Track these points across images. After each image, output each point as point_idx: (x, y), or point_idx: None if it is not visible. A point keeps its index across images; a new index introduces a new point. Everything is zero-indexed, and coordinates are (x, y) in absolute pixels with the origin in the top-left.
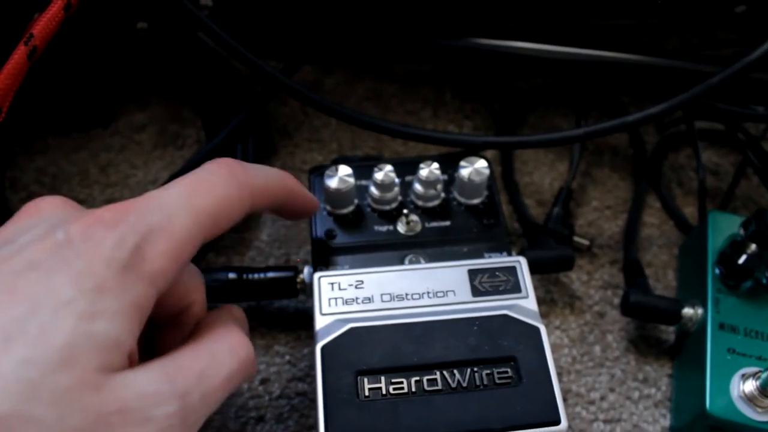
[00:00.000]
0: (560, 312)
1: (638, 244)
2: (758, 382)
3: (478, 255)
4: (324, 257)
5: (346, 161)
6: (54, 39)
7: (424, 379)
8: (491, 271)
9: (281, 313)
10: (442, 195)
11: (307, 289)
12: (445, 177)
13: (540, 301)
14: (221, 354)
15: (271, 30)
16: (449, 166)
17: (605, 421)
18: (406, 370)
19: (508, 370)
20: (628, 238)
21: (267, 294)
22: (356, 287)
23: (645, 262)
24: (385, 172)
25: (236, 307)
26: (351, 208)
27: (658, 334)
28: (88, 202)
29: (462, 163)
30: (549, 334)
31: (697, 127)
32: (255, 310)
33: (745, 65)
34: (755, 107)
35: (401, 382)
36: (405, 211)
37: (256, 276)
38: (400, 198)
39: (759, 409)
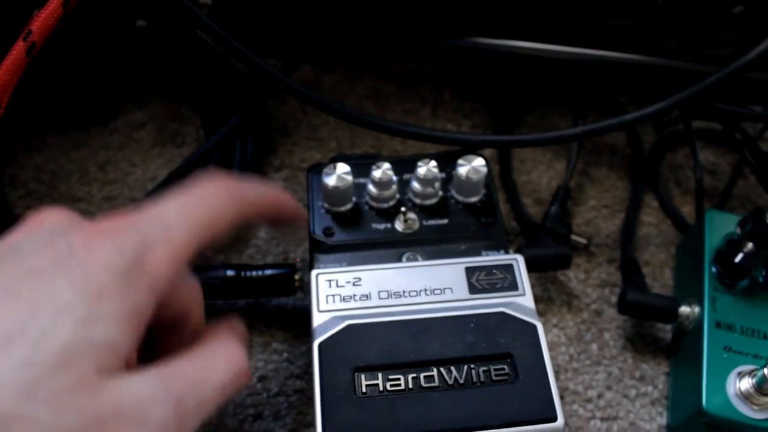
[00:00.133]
0: (558, 310)
1: (636, 243)
2: (754, 380)
3: (476, 253)
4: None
5: (344, 159)
6: (53, 36)
7: (421, 376)
8: (488, 269)
9: (279, 311)
10: (440, 193)
11: (305, 286)
12: (443, 175)
13: (537, 300)
14: (217, 363)
15: (270, 28)
16: (447, 164)
17: (602, 419)
18: (403, 367)
19: (505, 367)
20: (625, 237)
21: (265, 291)
22: (354, 284)
23: (642, 261)
24: (383, 170)
25: (236, 319)
26: (349, 206)
27: (655, 333)
28: (86, 199)
29: (460, 161)
30: (546, 332)
31: (695, 127)
32: (253, 307)
33: (742, 65)
34: (753, 107)
35: (398, 379)
36: (403, 209)
37: (254, 273)
38: (398, 196)
39: (755, 407)
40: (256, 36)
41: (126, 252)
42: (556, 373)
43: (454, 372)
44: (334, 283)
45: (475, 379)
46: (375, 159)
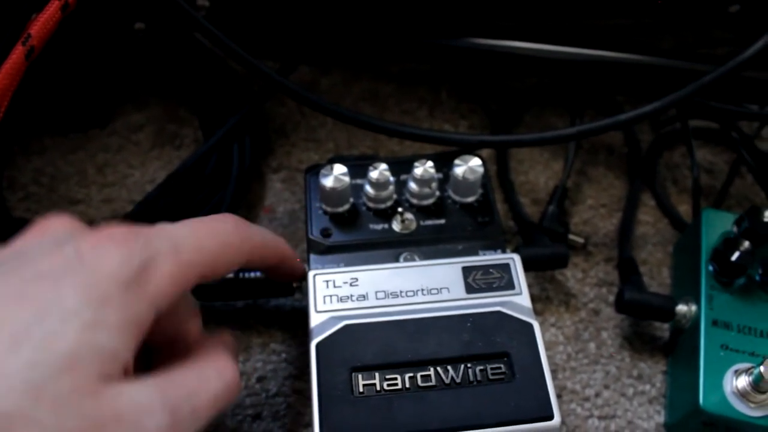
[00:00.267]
0: (555, 309)
1: (633, 242)
2: (751, 378)
3: (473, 253)
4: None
5: (342, 160)
6: (52, 39)
7: (418, 375)
8: (485, 268)
9: (278, 312)
10: (437, 193)
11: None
12: (440, 175)
13: (535, 299)
14: (209, 375)
15: (268, 30)
16: (444, 164)
17: (600, 418)
18: (400, 367)
19: (502, 366)
20: (622, 236)
21: (263, 292)
22: (351, 285)
23: (640, 259)
24: (380, 171)
25: (227, 333)
26: (346, 207)
27: (653, 331)
28: (85, 202)
29: (456, 161)
30: (544, 332)
31: (693, 126)
32: (252, 308)
33: (738, 64)
34: (749, 106)
35: (395, 379)
36: (400, 209)
37: (252, 275)
38: (395, 196)
39: (752, 405)
40: (254, 38)
41: (132, 262)
42: (554, 372)
43: (451, 371)
44: (331, 284)
45: (471, 379)
46: (372, 160)
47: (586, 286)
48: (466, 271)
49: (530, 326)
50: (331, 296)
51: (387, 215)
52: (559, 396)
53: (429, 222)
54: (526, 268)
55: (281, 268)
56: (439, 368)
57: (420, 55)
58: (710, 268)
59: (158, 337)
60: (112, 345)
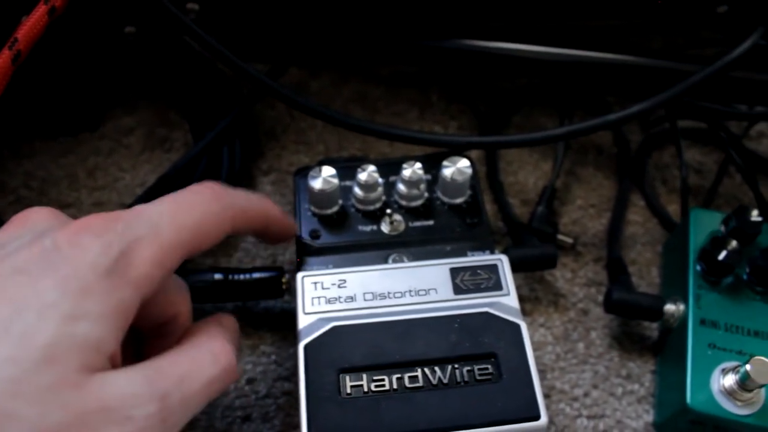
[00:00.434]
0: (544, 310)
1: (622, 242)
2: (738, 376)
3: (462, 254)
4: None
5: (331, 163)
6: (41, 43)
7: (406, 376)
8: (473, 269)
9: (267, 314)
10: (426, 195)
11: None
12: (429, 177)
13: (524, 299)
14: (202, 360)
15: (257, 33)
16: (432, 166)
17: (589, 417)
18: (388, 368)
19: (489, 366)
20: (611, 236)
21: (253, 294)
22: (339, 286)
23: (629, 259)
24: (368, 173)
25: (227, 315)
26: (335, 209)
27: (642, 331)
28: (76, 205)
29: (445, 162)
30: (533, 332)
31: (682, 126)
32: (242, 310)
33: (725, 64)
34: (738, 106)
35: (383, 380)
36: (389, 210)
37: (241, 277)
38: (383, 198)
39: (739, 403)
40: (244, 41)
41: (111, 250)
42: (543, 372)
43: (439, 372)
44: (319, 286)
45: (459, 379)
46: (362, 162)
47: (575, 286)
48: (454, 272)
49: (518, 327)
50: (319, 298)
51: (376, 217)
52: (548, 396)
53: (418, 223)
54: (515, 268)
55: (271, 229)
56: (426, 369)
57: (410, 56)
58: (698, 267)
59: (147, 323)
60: (94, 335)
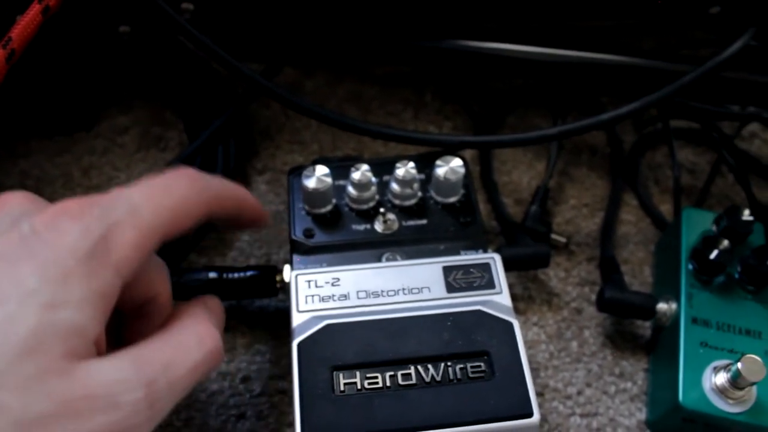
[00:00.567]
0: (538, 308)
1: (615, 241)
2: (729, 375)
3: (455, 252)
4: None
5: (325, 162)
6: (36, 42)
7: (399, 373)
8: (466, 268)
9: (262, 312)
10: (419, 194)
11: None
12: (422, 176)
13: (518, 298)
14: (188, 344)
15: (252, 33)
16: (426, 165)
17: (582, 416)
18: (381, 366)
19: (482, 364)
20: (604, 236)
21: (247, 293)
22: (332, 285)
23: (622, 259)
24: (362, 172)
25: (212, 297)
26: (329, 208)
27: (635, 330)
28: None
29: (438, 162)
30: (526, 331)
31: (676, 126)
32: (236, 309)
33: (717, 64)
34: (730, 106)
35: (376, 377)
36: (382, 210)
37: (235, 275)
38: (377, 197)
39: (730, 401)
40: (239, 40)
41: (91, 233)
42: (537, 370)
43: (431, 370)
44: (313, 284)
45: (452, 377)
46: (356, 161)
47: (569, 286)
48: (447, 270)
49: (510, 325)
50: (312, 296)
51: (369, 216)
52: (541, 394)
53: (411, 222)
54: (508, 267)
55: (244, 215)
56: (419, 367)
57: (404, 57)
58: (690, 266)
59: (127, 304)
60: (77, 321)
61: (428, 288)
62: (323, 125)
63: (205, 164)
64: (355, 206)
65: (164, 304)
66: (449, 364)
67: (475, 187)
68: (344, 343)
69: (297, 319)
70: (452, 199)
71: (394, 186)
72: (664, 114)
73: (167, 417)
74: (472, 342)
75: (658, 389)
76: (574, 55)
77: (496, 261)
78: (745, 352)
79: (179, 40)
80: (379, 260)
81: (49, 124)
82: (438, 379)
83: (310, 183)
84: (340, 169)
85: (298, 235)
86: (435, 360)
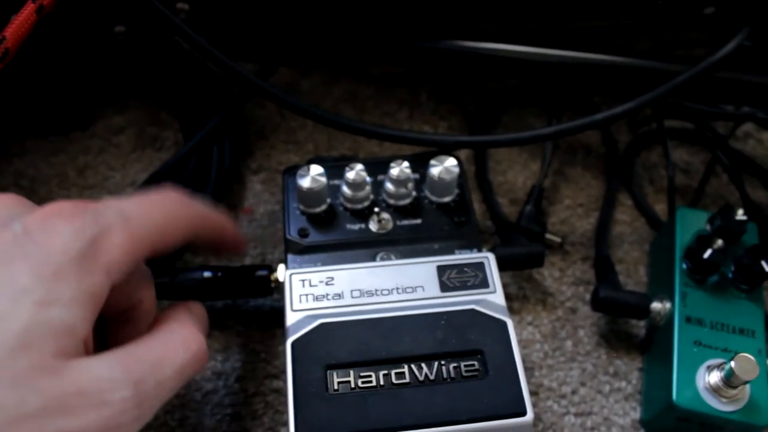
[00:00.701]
0: (532, 308)
1: (610, 241)
2: (723, 373)
3: (449, 252)
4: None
5: (320, 162)
6: (31, 42)
7: (393, 372)
8: (459, 267)
9: (257, 312)
10: (414, 193)
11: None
12: (417, 176)
13: (512, 297)
14: (174, 346)
15: (248, 32)
16: (420, 165)
17: (576, 415)
18: (375, 364)
19: (475, 363)
20: (599, 235)
21: (241, 292)
22: (327, 284)
23: (617, 258)
24: (356, 171)
25: (196, 303)
26: (324, 207)
27: (629, 329)
28: None
29: (432, 162)
30: (521, 330)
31: (670, 126)
32: (231, 308)
33: (710, 65)
34: (724, 106)
35: (370, 376)
36: (377, 209)
37: (230, 275)
38: (371, 197)
39: (724, 400)
40: (234, 40)
41: (83, 234)
42: (531, 369)
43: (425, 368)
44: (307, 283)
45: (445, 376)
46: (351, 161)
47: (563, 285)
48: (441, 269)
49: (504, 324)
50: (306, 295)
51: (364, 215)
52: (536, 393)
53: (405, 222)
54: (503, 267)
55: (225, 240)
56: (413, 366)
57: (400, 57)
58: (684, 265)
59: (112, 309)
60: (68, 320)
61: (422, 287)
62: (318, 125)
63: (201, 164)
64: (349, 206)
65: (147, 310)
66: (443, 363)
67: (470, 187)
68: (338, 341)
69: (291, 318)
70: (447, 199)
71: (389, 185)
72: (659, 114)
73: (162, 416)
74: (466, 341)
75: (653, 388)
76: (568, 56)
77: (490, 260)
78: (738, 351)
79: (175, 40)
80: (373, 259)
81: (44, 123)
82: (432, 378)
83: (305, 182)
84: (335, 168)
85: (293, 234)
86: (429, 359)
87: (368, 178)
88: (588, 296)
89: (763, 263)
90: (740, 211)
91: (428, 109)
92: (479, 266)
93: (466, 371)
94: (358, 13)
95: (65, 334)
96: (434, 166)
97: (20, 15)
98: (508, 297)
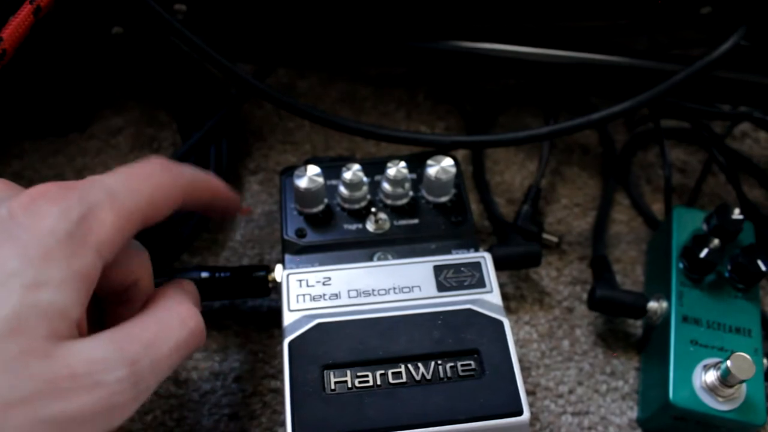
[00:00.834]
0: (530, 307)
1: (607, 240)
2: (719, 373)
3: (446, 252)
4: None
5: (318, 162)
6: (29, 43)
7: (389, 372)
8: (456, 267)
9: (254, 312)
10: (411, 193)
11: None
12: (414, 176)
13: (510, 297)
14: (170, 323)
15: (245, 33)
16: (417, 165)
17: (573, 414)
18: (372, 364)
19: (472, 362)
20: (596, 235)
21: (239, 293)
22: (324, 284)
23: (614, 258)
24: (353, 172)
25: (187, 281)
26: (321, 208)
27: (626, 329)
28: None
29: (429, 162)
30: (518, 329)
31: (667, 126)
32: (228, 308)
33: (707, 64)
34: (721, 106)
35: (366, 376)
36: (374, 209)
37: (228, 275)
38: (369, 197)
39: (720, 399)
40: (231, 41)
41: (70, 215)
42: (528, 369)
43: (422, 368)
44: (304, 283)
45: (442, 375)
46: (348, 161)
47: (560, 285)
48: (438, 269)
49: (500, 323)
50: (304, 295)
51: (361, 215)
52: (533, 393)
53: (402, 222)
54: (500, 267)
55: (217, 203)
56: (410, 365)
57: (397, 57)
58: (680, 265)
59: (108, 290)
60: (59, 302)
61: (419, 287)
62: (316, 125)
63: (198, 164)
64: (346, 206)
65: (145, 289)
66: (439, 362)
67: (467, 187)
68: (335, 341)
69: (288, 318)
70: (443, 199)
71: (386, 186)
72: (656, 113)
73: (160, 416)
74: (463, 340)
75: (649, 387)
76: (566, 56)
77: (486, 260)
78: (734, 350)
79: (172, 41)
80: (370, 259)
81: (42, 124)
82: (428, 377)
83: (302, 183)
84: (332, 169)
85: (290, 234)
86: (425, 358)
87: (365, 179)
88: (585, 296)
89: (760, 262)
90: (737, 211)
91: (425, 110)
92: (476, 266)
93: (463, 371)
94: (356, 14)
95: (56, 316)
96: (431, 166)
97: (17, 16)
98: (505, 296)
